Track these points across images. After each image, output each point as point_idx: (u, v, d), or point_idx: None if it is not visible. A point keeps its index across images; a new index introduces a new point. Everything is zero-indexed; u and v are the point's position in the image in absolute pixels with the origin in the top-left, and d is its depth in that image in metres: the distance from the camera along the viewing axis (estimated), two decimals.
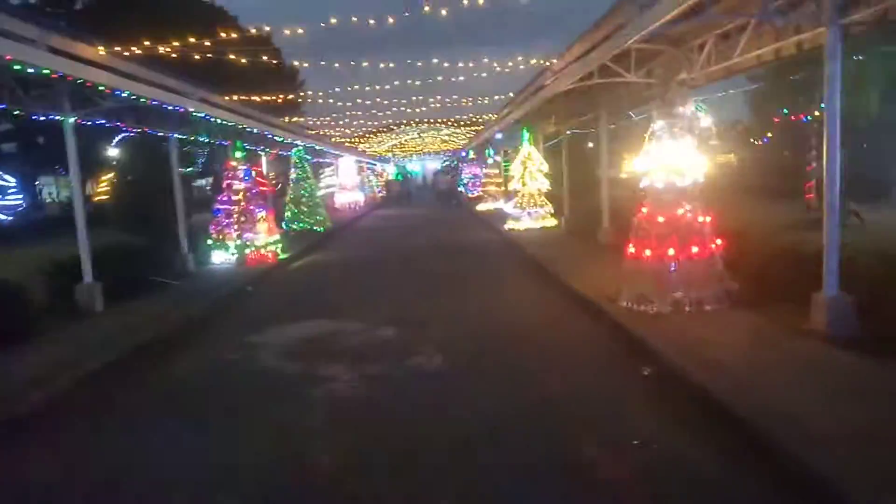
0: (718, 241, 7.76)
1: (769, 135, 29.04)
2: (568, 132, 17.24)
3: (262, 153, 20.71)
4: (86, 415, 5.47)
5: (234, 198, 14.61)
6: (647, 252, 7.76)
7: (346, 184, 34.87)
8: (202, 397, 5.88)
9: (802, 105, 19.08)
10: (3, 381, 6.08)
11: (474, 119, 25.26)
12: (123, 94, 8.00)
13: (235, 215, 14.54)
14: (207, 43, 10.90)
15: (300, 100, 27.10)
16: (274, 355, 7.01)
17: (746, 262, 7.93)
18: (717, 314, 7.26)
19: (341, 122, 27.95)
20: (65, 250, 10.14)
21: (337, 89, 18.26)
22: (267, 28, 13.34)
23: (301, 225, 21.88)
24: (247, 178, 14.76)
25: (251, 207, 14.65)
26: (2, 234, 23.20)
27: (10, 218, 25.20)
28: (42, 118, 8.80)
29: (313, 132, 22.58)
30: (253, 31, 16.79)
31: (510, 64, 10.48)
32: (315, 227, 21.97)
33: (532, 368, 6.20)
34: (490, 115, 21.87)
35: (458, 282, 11.41)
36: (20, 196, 27.14)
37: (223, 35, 11.64)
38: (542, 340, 7.22)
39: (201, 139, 14.69)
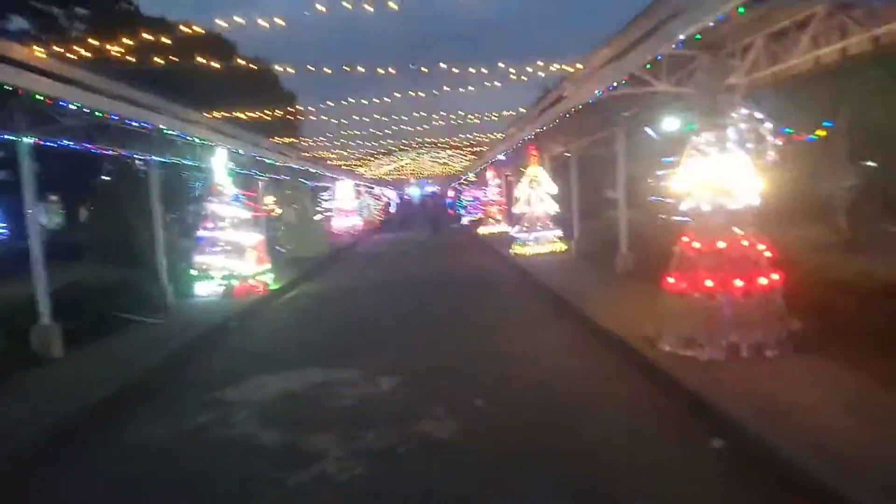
0: (776, 275, 6.60)
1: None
2: (577, 150, 16.15)
3: (257, 176, 19.68)
4: None
5: (220, 224, 13.47)
6: (694, 287, 6.59)
7: (343, 208, 33.83)
8: (147, 486, 4.61)
9: (804, 125, 18.01)
10: None
11: (478, 139, 24.25)
12: (72, 107, 6.86)
13: (221, 243, 13.38)
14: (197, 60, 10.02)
15: (293, 117, 26.34)
16: (249, 418, 5.76)
17: (798, 293, 6.76)
18: (782, 362, 6.06)
19: (338, 143, 27.10)
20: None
21: (330, 104, 17.33)
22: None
23: (298, 251, 20.73)
24: (234, 202, 13.64)
25: (239, 234, 13.50)
26: None
27: None
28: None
29: (308, 154, 21.49)
30: (251, 65, 15.90)
31: (528, 69, 9.39)
32: (311, 254, 20.83)
33: (572, 443, 4.93)
34: (495, 134, 20.84)
35: (465, 316, 10.21)
36: (2, 225, 25.99)
37: (217, 62, 10.88)
38: (575, 397, 5.98)
39: (185, 162, 13.54)
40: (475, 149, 28.69)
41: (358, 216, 35.20)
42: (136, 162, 11.95)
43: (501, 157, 22.01)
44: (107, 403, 6.30)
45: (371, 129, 18.96)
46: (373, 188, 54.42)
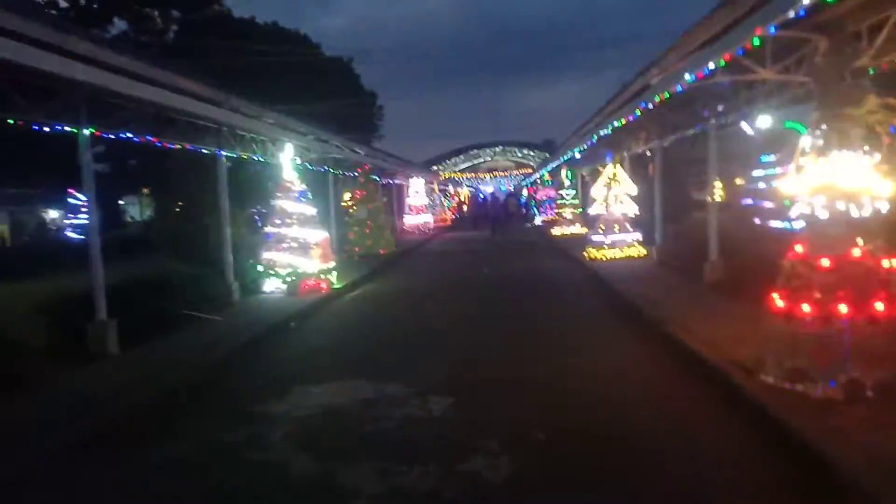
0: None
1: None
2: (660, 148, 14.91)
3: (331, 172, 19.59)
4: None
5: (287, 221, 13.28)
6: (806, 309, 5.54)
7: (415, 205, 33.57)
8: None
9: None
10: None
11: (549, 139, 23.25)
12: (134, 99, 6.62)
13: (287, 240, 13.19)
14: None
15: (377, 120, 26.46)
16: (285, 439, 5.25)
17: None
18: None
19: (418, 143, 26.95)
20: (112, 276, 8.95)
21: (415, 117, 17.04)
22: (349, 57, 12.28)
23: (367, 248, 20.55)
24: (301, 199, 13.42)
25: (305, 231, 13.26)
26: (73, 252, 23.20)
27: (82, 237, 25.31)
28: (55, 129, 7.55)
29: (379, 149, 21.24)
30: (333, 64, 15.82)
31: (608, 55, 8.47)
32: (379, 251, 20.58)
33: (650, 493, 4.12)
34: (570, 130, 19.77)
35: (530, 328, 9.40)
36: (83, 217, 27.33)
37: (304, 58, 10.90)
38: (653, 439, 5.08)
39: (255, 158, 13.44)
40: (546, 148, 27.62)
41: (430, 213, 34.85)
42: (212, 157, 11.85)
43: (577, 154, 20.92)
44: (144, 411, 5.99)
45: (447, 127, 18.61)
46: (447, 186, 54.18)
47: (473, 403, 5.95)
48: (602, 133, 12.75)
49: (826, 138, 5.66)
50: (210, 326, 9.77)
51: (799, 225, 11.66)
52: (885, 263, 5.49)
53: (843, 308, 5.36)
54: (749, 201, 13.39)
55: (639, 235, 16.28)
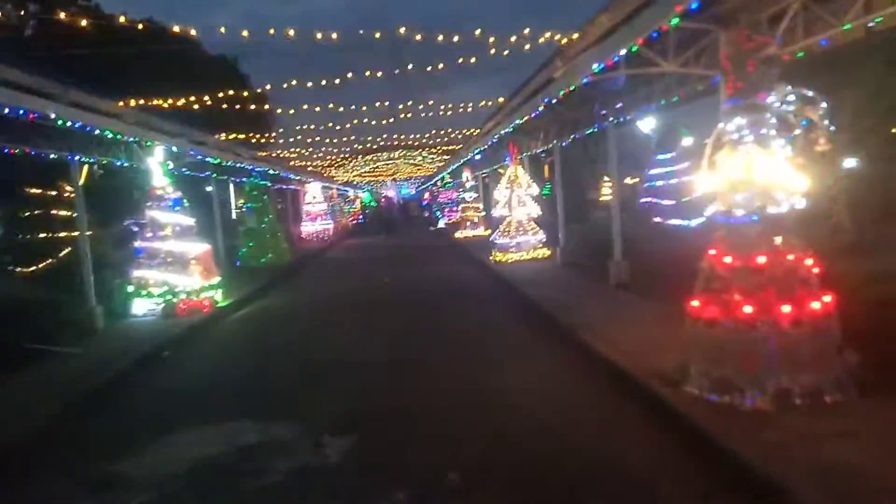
0: (829, 297, 5.22)
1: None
2: (561, 144, 14.75)
3: (213, 178, 17.99)
4: None
5: (160, 234, 11.78)
6: (728, 313, 5.18)
7: (312, 212, 32.09)
8: None
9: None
10: None
11: (453, 137, 22.85)
12: None
13: (161, 255, 11.69)
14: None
15: (269, 133, 25.00)
16: None
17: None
18: (850, 411, 4.67)
19: (311, 148, 25.69)
20: None
21: (306, 107, 15.94)
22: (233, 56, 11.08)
23: (261, 260, 19.06)
24: (176, 208, 11.95)
25: (181, 245, 11.82)
26: None
27: None
28: None
29: (265, 154, 19.79)
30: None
31: (506, 52, 7.92)
32: (272, 262, 19.16)
33: None
34: (471, 130, 19.38)
35: (437, 341, 8.70)
36: None
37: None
38: (587, 468, 4.49)
39: (118, 163, 11.83)
40: (450, 147, 27.30)
41: (329, 220, 33.44)
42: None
43: (477, 155, 20.58)
44: None
45: (343, 138, 17.69)
46: (347, 191, 52.73)
47: (377, 443, 5.11)
48: (503, 132, 12.28)
49: (739, 131, 5.34)
50: (64, 362, 8.25)
51: (697, 223, 11.73)
52: (805, 262, 5.25)
53: (765, 312, 5.05)
54: (647, 200, 13.49)
55: (543, 237, 16.09)
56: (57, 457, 5.34)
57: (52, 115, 6.94)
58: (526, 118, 9.32)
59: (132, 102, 10.71)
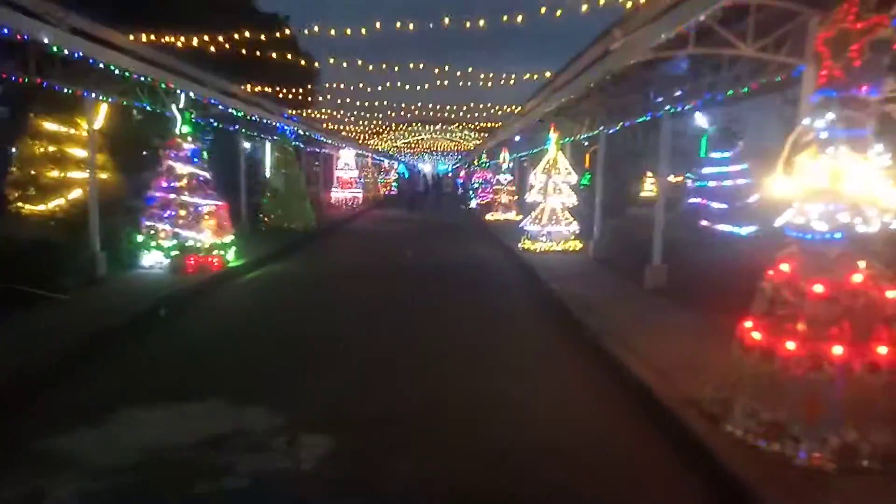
0: None
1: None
2: (607, 132, 13.74)
3: (241, 133, 17.44)
4: None
5: (175, 185, 11.26)
6: (791, 346, 4.32)
7: (343, 178, 31.53)
8: None
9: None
10: None
11: (492, 114, 21.89)
12: None
13: (174, 207, 11.18)
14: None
15: (316, 95, 24.48)
16: None
17: None
18: None
19: (352, 117, 25.04)
20: None
21: (353, 87, 15.19)
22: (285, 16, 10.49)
23: (284, 224, 18.54)
24: (195, 159, 11.40)
25: (196, 198, 11.29)
26: None
27: None
28: None
29: (295, 113, 19.13)
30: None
31: (558, 12, 7.00)
32: (295, 226, 18.63)
33: None
34: (513, 106, 18.40)
35: (449, 335, 7.96)
36: None
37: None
38: None
39: (139, 105, 11.28)
40: (489, 124, 26.33)
41: (360, 188, 32.87)
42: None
43: (517, 136, 19.63)
44: None
45: (386, 100, 16.94)
46: (381, 161, 52.02)
47: (360, 451, 4.43)
48: (546, 110, 11.33)
49: (830, 131, 4.42)
50: (48, 311, 7.77)
51: (749, 232, 10.63)
52: (891, 294, 4.35)
53: (838, 349, 4.19)
54: (695, 201, 12.42)
55: (576, 228, 15.17)
56: (15, 422, 4.78)
57: (46, 41, 6.32)
58: (573, 96, 8.39)
59: (149, 38, 10.02)
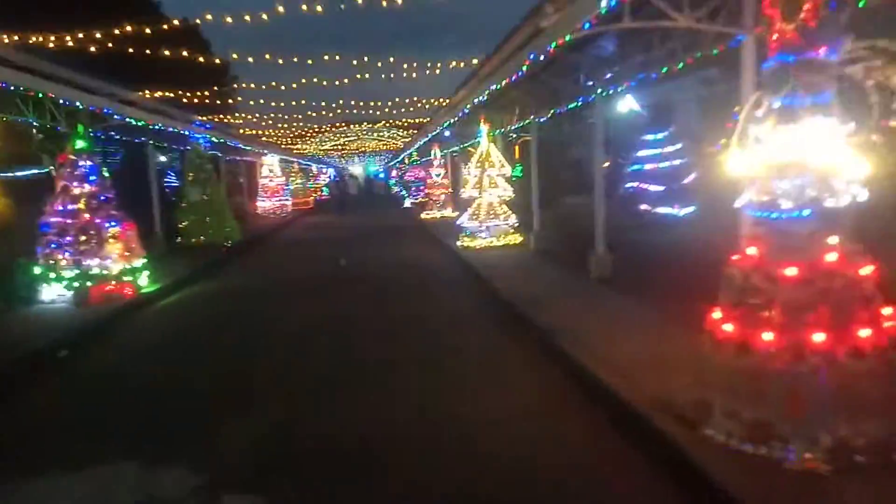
0: (888, 311, 4.03)
1: (723, 142, 26.30)
2: (539, 121, 13.41)
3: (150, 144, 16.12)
4: None
5: (72, 207, 10.06)
6: (768, 337, 3.93)
7: (269, 187, 30.15)
8: None
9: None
10: None
11: (419, 108, 21.29)
12: None
13: (73, 232, 9.98)
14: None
15: (228, 97, 23.04)
16: None
17: None
18: None
19: (272, 121, 23.88)
20: None
21: (273, 83, 14.22)
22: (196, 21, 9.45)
23: (202, 239, 17.29)
24: (92, 178, 10.23)
25: (98, 220, 10.12)
26: None
27: None
28: None
29: (203, 119, 17.91)
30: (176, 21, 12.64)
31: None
32: (217, 241, 17.44)
33: None
34: (440, 100, 17.85)
35: (393, 341, 7.36)
36: None
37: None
38: None
39: (21, 120, 10.02)
40: (418, 120, 25.74)
41: (287, 196, 31.55)
42: None
43: (447, 131, 19.12)
44: None
45: (309, 112, 16.04)
46: (310, 166, 50.49)
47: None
48: (476, 101, 10.80)
49: (790, 100, 4.05)
50: None
51: (687, 212, 10.43)
52: (865, 271, 4.03)
53: (819, 336, 3.83)
54: (631, 185, 12.24)
55: (515, 221, 14.80)
56: None
57: None
58: (504, 81, 7.87)
59: (17, 39, 8.76)
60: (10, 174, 15.42)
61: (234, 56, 13.74)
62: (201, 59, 13.87)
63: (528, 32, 6.64)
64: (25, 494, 3.95)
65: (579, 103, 10.56)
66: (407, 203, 33.90)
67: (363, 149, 61.12)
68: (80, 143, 10.16)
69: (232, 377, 6.38)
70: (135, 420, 5.28)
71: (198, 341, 8.13)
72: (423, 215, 25.37)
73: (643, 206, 11.48)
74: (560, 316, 7.39)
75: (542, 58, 6.39)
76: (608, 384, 5.09)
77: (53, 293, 9.77)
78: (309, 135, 42.14)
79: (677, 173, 10.98)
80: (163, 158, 22.76)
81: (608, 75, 9.49)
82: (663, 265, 8.81)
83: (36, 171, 16.10)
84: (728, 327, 4.19)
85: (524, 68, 6.64)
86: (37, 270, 9.84)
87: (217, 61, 17.46)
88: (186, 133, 16.33)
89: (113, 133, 13.15)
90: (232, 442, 4.67)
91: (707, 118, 15.40)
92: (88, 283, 9.79)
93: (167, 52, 10.83)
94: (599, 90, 9.45)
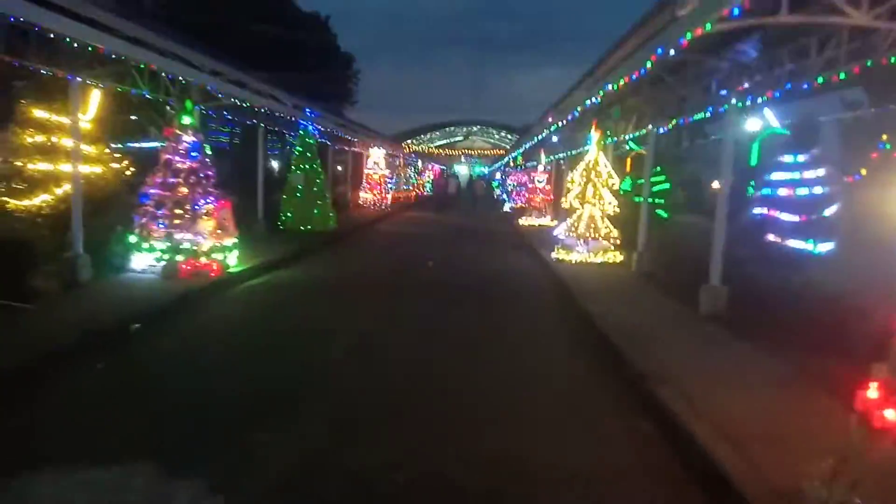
0: None
1: (863, 171, 23.00)
2: (658, 130, 12.20)
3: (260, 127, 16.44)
4: None
5: (172, 181, 10.19)
6: None
7: (373, 179, 30.42)
8: None
9: None
10: None
11: (531, 112, 20.43)
12: None
13: (169, 205, 10.11)
14: None
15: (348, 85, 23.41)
16: None
17: None
18: None
19: (388, 114, 24.10)
20: None
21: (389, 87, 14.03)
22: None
23: (301, 225, 17.48)
24: (193, 154, 10.33)
25: (193, 196, 10.20)
26: None
27: None
28: None
29: (330, 113, 18.08)
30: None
31: None
32: (314, 228, 17.56)
33: None
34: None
35: (467, 367, 6.63)
36: None
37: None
38: None
39: (134, 92, 10.28)
40: (527, 124, 24.84)
41: (389, 189, 31.73)
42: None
43: (554, 136, 18.15)
44: None
45: (426, 101, 15.78)
46: (416, 161, 50.97)
47: None
48: (589, 102, 9.83)
49: None
50: (8, 322, 6.73)
51: (827, 249, 8.86)
52: None
53: None
54: (760, 212, 10.73)
55: (616, 237, 13.64)
56: None
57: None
58: (624, 80, 6.89)
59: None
60: (137, 144, 16.26)
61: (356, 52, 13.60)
62: (335, 58, 13.95)
63: (657, 25, 5.70)
64: (40, 490, 3.62)
65: (707, 114, 9.34)
66: (506, 207, 33.16)
67: (471, 150, 61.12)
68: (186, 119, 10.29)
69: (285, 375, 5.98)
70: (170, 415, 4.94)
71: (265, 328, 7.88)
72: (520, 221, 24.56)
73: (770, 237, 10.01)
74: (662, 357, 6.37)
75: (671, 53, 5.42)
76: (716, 458, 4.10)
77: (145, 263, 9.94)
78: (421, 132, 42.54)
79: (817, 203, 9.48)
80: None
81: (746, 84, 8.28)
82: (788, 308, 7.50)
83: (160, 144, 16.86)
84: (891, 414, 3.15)
85: (648, 65, 5.71)
86: (132, 239, 10.05)
87: (341, 52, 17.64)
88: (293, 119, 16.47)
89: (225, 113, 13.39)
90: (264, 453, 4.18)
91: (847, 144, 13.41)
92: (178, 257, 9.87)
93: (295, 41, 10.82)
94: (734, 100, 8.23)
